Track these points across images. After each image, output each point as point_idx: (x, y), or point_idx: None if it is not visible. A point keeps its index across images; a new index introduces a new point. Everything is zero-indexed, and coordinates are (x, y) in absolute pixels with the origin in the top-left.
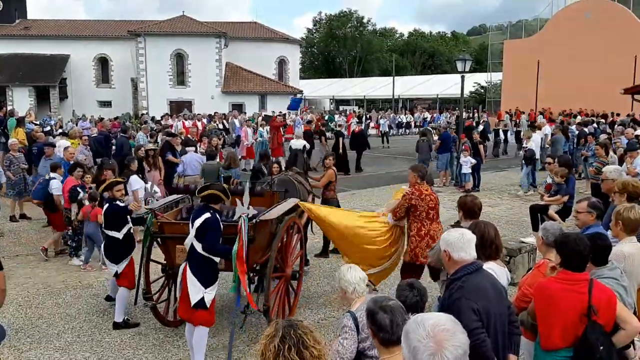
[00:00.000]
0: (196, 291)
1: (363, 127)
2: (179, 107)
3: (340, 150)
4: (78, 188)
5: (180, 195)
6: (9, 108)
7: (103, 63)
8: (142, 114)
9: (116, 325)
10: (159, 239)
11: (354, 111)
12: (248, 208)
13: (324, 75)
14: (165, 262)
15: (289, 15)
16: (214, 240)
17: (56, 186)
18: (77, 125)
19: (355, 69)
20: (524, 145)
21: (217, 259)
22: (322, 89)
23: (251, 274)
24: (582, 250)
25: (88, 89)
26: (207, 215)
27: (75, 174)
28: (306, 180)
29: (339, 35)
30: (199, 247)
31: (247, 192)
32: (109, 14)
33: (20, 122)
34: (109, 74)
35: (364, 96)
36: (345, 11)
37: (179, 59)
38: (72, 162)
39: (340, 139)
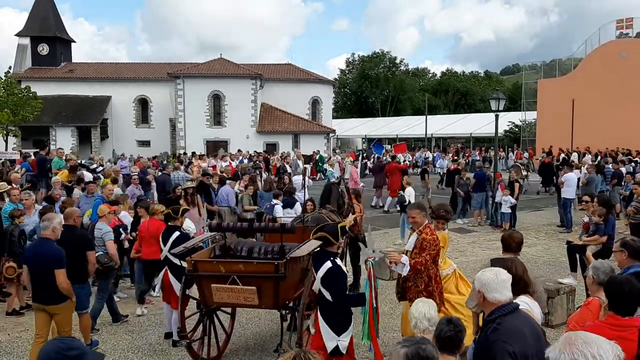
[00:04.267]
0: (330, 339)
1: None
2: (215, 147)
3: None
4: (120, 229)
5: (213, 234)
6: (52, 147)
7: (143, 104)
8: (180, 154)
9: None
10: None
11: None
12: (373, 252)
13: (357, 114)
14: (200, 299)
15: (323, 57)
16: (342, 289)
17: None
18: (115, 164)
19: (388, 109)
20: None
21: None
22: (355, 128)
23: (284, 312)
24: (628, 293)
25: (128, 128)
26: (329, 265)
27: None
28: (339, 217)
29: (371, 75)
30: (327, 294)
31: (371, 236)
32: (150, 57)
33: (73, 169)
34: (149, 115)
35: (397, 135)
36: (378, 52)
37: (216, 99)
38: (110, 199)
39: None
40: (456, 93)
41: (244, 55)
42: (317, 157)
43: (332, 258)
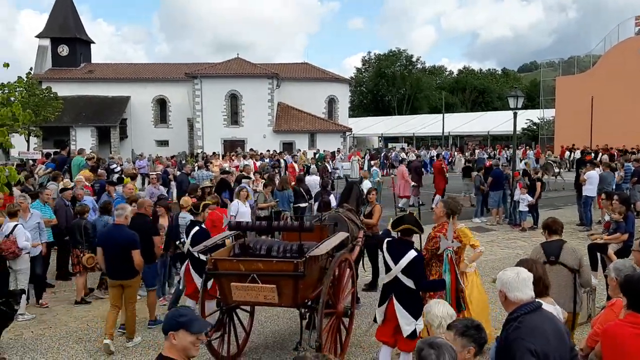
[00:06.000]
0: (408, 323)
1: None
2: (232, 146)
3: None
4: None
5: (232, 232)
6: (72, 147)
7: (161, 104)
8: (197, 153)
9: None
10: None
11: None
12: (452, 242)
13: (373, 113)
14: (219, 297)
15: (339, 55)
16: (425, 276)
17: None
18: (134, 164)
19: (404, 107)
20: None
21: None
22: (371, 127)
23: (302, 310)
24: None
25: (147, 128)
26: (414, 254)
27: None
28: (357, 216)
29: (387, 73)
30: (408, 282)
31: (451, 227)
32: (167, 57)
33: (94, 170)
34: (167, 114)
35: (413, 133)
36: (395, 50)
37: (233, 99)
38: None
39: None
40: (473, 91)
41: (260, 55)
42: (317, 155)
43: (415, 248)
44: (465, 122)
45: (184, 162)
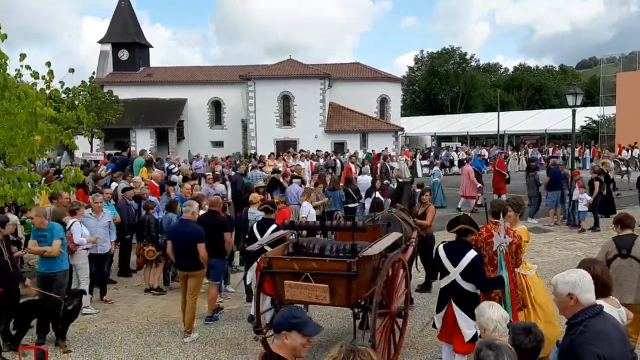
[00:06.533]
0: (469, 327)
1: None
2: (284, 147)
3: None
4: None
5: (287, 231)
6: (132, 148)
7: (216, 106)
8: (251, 154)
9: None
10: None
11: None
12: (505, 237)
13: (426, 112)
14: (274, 295)
15: (391, 54)
16: (484, 275)
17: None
18: (191, 164)
19: (458, 105)
20: None
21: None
22: (424, 126)
23: (355, 310)
24: None
25: (202, 130)
26: (474, 253)
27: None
28: (410, 216)
29: (441, 72)
30: (467, 285)
31: (503, 224)
32: (221, 59)
33: (149, 163)
34: (222, 116)
35: (467, 132)
36: (448, 48)
37: (285, 100)
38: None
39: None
40: (529, 88)
41: (312, 56)
42: (365, 155)
43: (474, 247)
44: (521, 121)
45: (238, 162)
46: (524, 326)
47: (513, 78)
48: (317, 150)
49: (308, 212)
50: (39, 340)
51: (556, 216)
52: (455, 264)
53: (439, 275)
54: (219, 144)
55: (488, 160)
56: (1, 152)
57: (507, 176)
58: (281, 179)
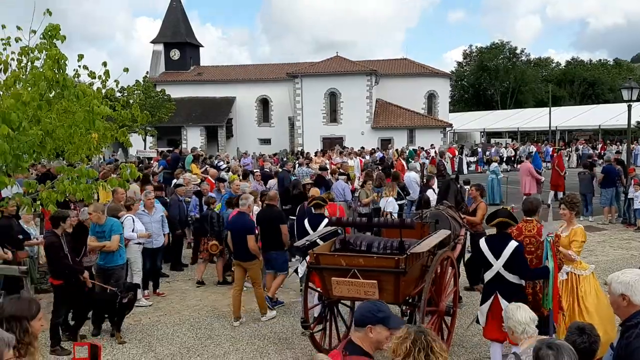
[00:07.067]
0: None
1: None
2: (331, 143)
3: None
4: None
5: (334, 228)
6: (184, 146)
7: (264, 104)
8: (298, 151)
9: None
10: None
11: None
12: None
13: (475, 108)
14: (322, 291)
15: (439, 49)
16: (527, 265)
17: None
18: (239, 161)
19: (508, 101)
20: None
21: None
22: (473, 122)
23: (403, 307)
24: None
25: (250, 127)
26: (515, 244)
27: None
28: (458, 213)
29: (490, 67)
30: (511, 277)
31: (551, 215)
32: (269, 57)
33: (197, 158)
34: (269, 114)
35: (518, 128)
36: (497, 43)
37: (332, 97)
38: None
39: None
40: (582, 83)
41: (359, 52)
42: (408, 152)
43: (514, 238)
44: (574, 116)
45: (285, 159)
46: (577, 326)
47: (565, 72)
48: (361, 148)
49: (393, 207)
50: (94, 331)
51: (610, 214)
52: (497, 256)
53: (482, 271)
54: (266, 141)
55: (549, 156)
56: (60, 149)
57: (565, 173)
58: (329, 176)
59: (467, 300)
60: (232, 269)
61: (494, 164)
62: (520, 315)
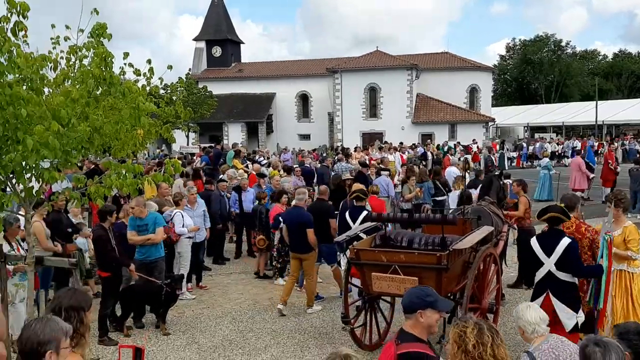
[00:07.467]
0: (569, 317)
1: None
2: (371, 139)
3: None
4: (280, 217)
5: (374, 223)
6: (225, 142)
7: (304, 99)
8: (337, 146)
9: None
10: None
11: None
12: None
13: (518, 102)
14: (362, 286)
15: (481, 43)
16: (581, 262)
17: None
18: (279, 157)
19: (552, 95)
20: None
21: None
22: (516, 116)
23: None
24: None
25: (290, 123)
26: (569, 240)
27: (281, 201)
28: (500, 209)
29: (534, 60)
30: (563, 275)
31: (611, 215)
32: (308, 53)
33: (237, 153)
34: (309, 109)
35: (563, 122)
36: (542, 35)
37: (372, 92)
38: (278, 190)
39: None
40: (630, 76)
41: (400, 46)
42: (446, 148)
43: (567, 235)
44: (622, 110)
45: (324, 155)
46: (636, 327)
47: (612, 65)
48: (400, 143)
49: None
50: (137, 324)
51: None
52: (549, 254)
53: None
54: (306, 136)
55: (599, 151)
56: (107, 145)
57: (617, 169)
58: (370, 171)
59: (510, 297)
60: (273, 263)
61: (546, 159)
62: (530, 315)
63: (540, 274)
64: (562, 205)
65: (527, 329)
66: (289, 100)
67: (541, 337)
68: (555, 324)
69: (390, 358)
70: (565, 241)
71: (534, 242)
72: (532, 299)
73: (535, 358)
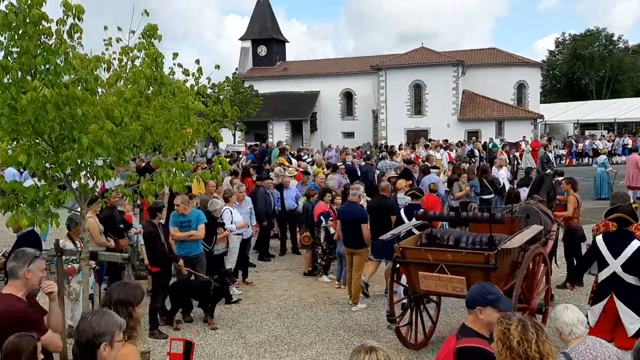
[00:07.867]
0: (632, 322)
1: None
2: (415, 136)
3: None
4: (321, 216)
5: (419, 222)
6: (270, 140)
7: (348, 97)
8: (382, 144)
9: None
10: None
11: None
12: None
13: (567, 98)
14: (408, 285)
15: (529, 38)
16: None
17: None
18: (323, 155)
19: (604, 91)
20: None
21: None
22: (565, 113)
23: None
24: None
25: (334, 121)
26: (638, 243)
27: (325, 199)
28: (550, 208)
29: (584, 55)
30: (630, 278)
31: None
32: (352, 51)
33: (282, 151)
34: (353, 107)
35: (615, 119)
36: (592, 30)
37: (417, 89)
38: (322, 188)
39: None
40: None
41: (445, 43)
42: (491, 144)
43: (636, 237)
44: None
45: (368, 152)
46: None
47: None
48: (445, 140)
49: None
50: (186, 318)
51: None
52: (616, 256)
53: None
54: (350, 134)
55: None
56: (157, 144)
57: None
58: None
59: (559, 298)
60: (318, 261)
61: (603, 156)
62: (567, 316)
63: (604, 275)
64: (634, 205)
65: (564, 330)
66: (333, 98)
67: (578, 338)
68: (616, 327)
69: (450, 351)
70: (635, 244)
71: (599, 240)
72: (595, 301)
73: (571, 359)
